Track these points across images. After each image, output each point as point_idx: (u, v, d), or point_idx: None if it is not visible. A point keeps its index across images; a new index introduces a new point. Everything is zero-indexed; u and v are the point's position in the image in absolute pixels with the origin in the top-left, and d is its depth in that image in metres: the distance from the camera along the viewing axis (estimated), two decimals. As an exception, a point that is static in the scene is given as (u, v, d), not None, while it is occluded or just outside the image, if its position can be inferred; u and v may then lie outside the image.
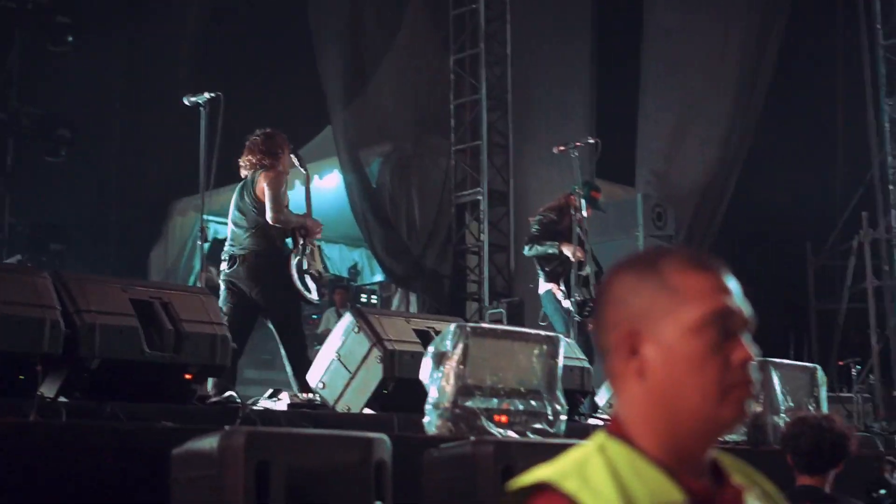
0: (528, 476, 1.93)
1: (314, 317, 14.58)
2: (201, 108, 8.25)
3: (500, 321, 12.79)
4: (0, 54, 15.50)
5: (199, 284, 8.23)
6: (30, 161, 15.66)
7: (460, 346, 5.28)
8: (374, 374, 6.23)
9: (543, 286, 9.99)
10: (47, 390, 4.98)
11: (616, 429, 1.99)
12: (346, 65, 14.03)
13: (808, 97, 16.52)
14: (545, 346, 5.72)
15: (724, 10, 14.56)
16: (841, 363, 13.84)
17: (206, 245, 8.55)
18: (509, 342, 5.69)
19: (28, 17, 15.41)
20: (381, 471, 3.38)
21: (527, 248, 10.12)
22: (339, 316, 10.46)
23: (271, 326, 8.26)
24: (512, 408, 5.47)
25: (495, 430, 5.29)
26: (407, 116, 14.83)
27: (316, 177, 14.43)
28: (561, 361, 5.77)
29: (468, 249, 14.82)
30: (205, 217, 8.44)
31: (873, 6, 14.25)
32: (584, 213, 9.72)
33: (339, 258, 17.89)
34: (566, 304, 9.67)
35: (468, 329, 5.41)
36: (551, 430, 5.61)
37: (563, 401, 5.78)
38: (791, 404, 7.57)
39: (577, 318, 9.36)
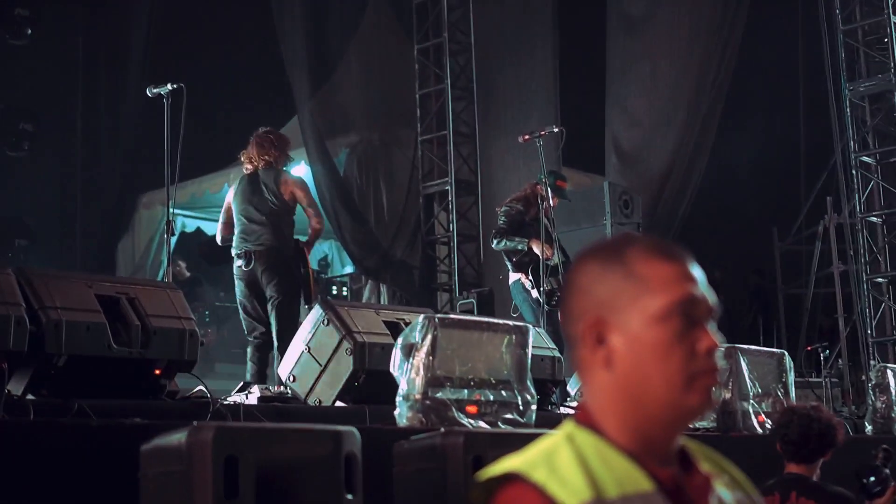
0: (497, 467, 1.94)
1: None
2: (164, 100, 8.23)
3: (470, 311, 12.80)
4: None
5: (167, 279, 8.22)
6: (-9, 156, 15.55)
7: (429, 337, 5.28)
8: (344, 366, 6.21)
9: (512, 276, 10.02)
10: (14, 388, 4.94)
11: (584, 418, 2.00)
12: (309, 55, 13.97)
13: (771, 83, 16.62)
14: (514, 336, 5.73)
15: (687, -2, 14.64)
16: (809, 348, 13.92)
17: (174, 239, 8.51)
18: (478, 333, 5.69)
19: (-14, 10, 15.30)
20: (351, 464, 3.37)
21: (494, 241, 10.12)
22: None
23: (273, 319, 8.51)
24: (482, 398, 5.48)
25: (466, 421, 5.30)
26: (373, 107, 14.80)
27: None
28: (530, 351, 5.78)
29: (437, 240, 14.82)
30: (171, 210, 8.40)
31: (833, -8, 14.33)
32: (551, 203, 9.74)
33: (308, 250, 17.85)
34: (535, 294, 9.69)
35: (436, 320, 5.41)
36: (522, 420, 5.62)
37: (533, 390, 5.79)
38: (759, 390, 7.62)
39: (546, 307, 9.38)
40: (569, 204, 10.90)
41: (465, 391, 5.44)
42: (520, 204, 10.10)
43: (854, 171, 13.86)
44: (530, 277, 9.79)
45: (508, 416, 5.57)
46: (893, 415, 9.05)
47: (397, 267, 14.37)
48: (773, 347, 8.84)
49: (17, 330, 4.83)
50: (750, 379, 7.55)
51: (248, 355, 8.57)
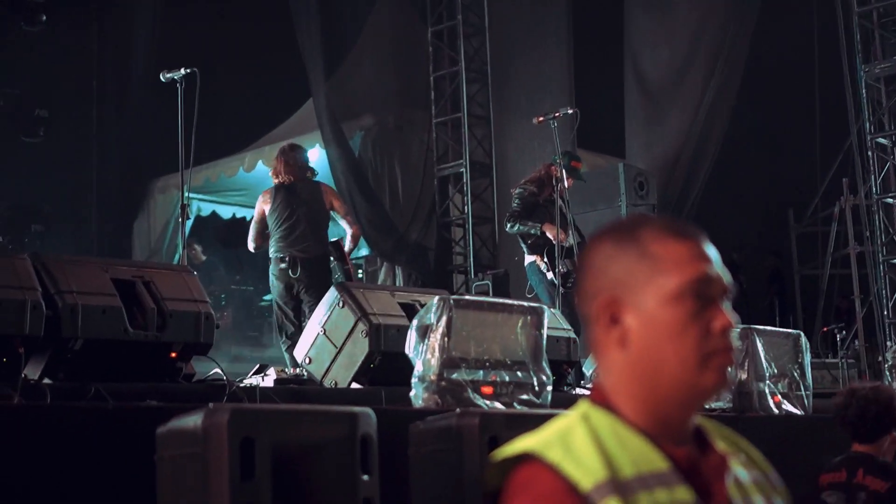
0: (512, 447, 1.94)
1: None
2: (178, 85, 8.25)
3: (486, 293, 12.80)
4: (-28, 36, 15.39)
5: (182, 263, 8.26)
6: (7, 142, 15.56)
7: (444, 318, 5.28)
8: (360, 348, 6.22)
9: (527, 258, 10.01)
10: (31, 372, 4.96)
11: (599, 398, 1.99)
12: (324, 38, 13.95)
13: (787, 65, 16.52)
14: (529, 317, 5.72)
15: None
16: (825, 329, 13.89)
17: (189, 222, 8.55)
18: (493, 314, 5.69)
19: (-1, -2, 15.33)
20: (367, 445, 3.37)
21: (508, 224, 10.11)
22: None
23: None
24: (498, 379, 5.48)
25: (481, 402, 5.30)
26: (387, 89, 14.80)
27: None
28: (545, 332, 5.78)
29: (452, 222, 14.83)
30: (186, 194, 8.44)
31: (848, -28, 14.25)
32: (566, 184, 9.72)
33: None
34: (550, 275, 9.68)
35: (451, 301, 5.41)
36: (537, 401, 5.62)
37: (548, 371, 5.78)
38: (775, 371, 7.60)
39: (562, 289, 9.37)
40: (584, 185, 10.87)
41: (481, 372, 5.44)
42: (533, 185, 10.08)
43: (870, 153, 13.82)
44: (545, 259, 9.78)
45: (524, 396, 5.57)
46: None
47: (412, 249, 14.38)
48: (789, 329, 8.79)
49: (33, 314, 4.83)
50: (766, 360, 7.52)
51: (286, 354, 8.92)
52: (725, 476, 1.95)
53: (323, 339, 6.39)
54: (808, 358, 8.04)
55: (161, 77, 8.43)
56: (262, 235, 9.43)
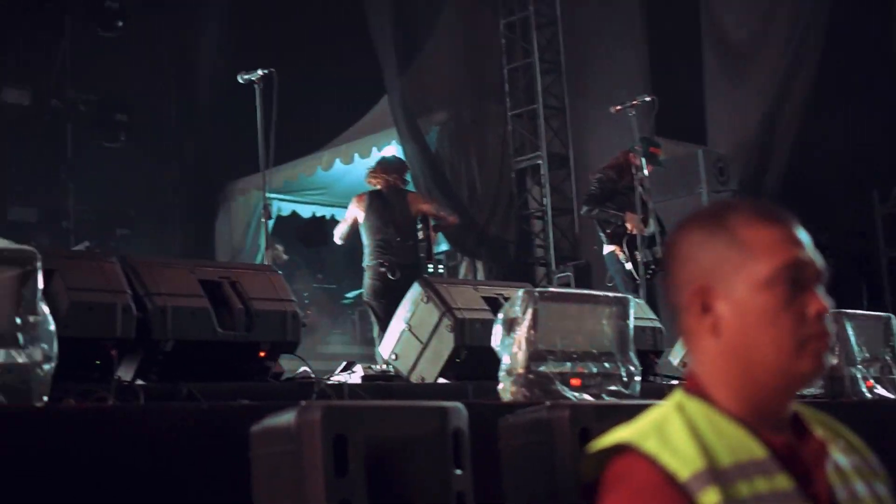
0: (608, 438, 1.94)
1: None
2: (255, 86, 8.32)
3: (567, 285, 12.79)
4: (52, 43, 15.65)
5: (265, 262, 8.36)
6: (89, 148, 15.84)
7: (530, 311, 5.27)
8: (445, 343, 6.23)
9: (606, 248, 9.98)
10: (124, 374, 5.04)
11: (693, 387, 1.99)
12: (397, 34, 14.02)
13: (868, 43, 16.24)
14: (615, 308, 5.69)
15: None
16: (914, 311, 13.66)
17: (271, 222, 8.64)
18: (578, 305, 5.66)
19: (77, 4, 15.62)
20: (459, 439, 3.37)
21: (586, 208, 10.10)
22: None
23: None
24: (585, 371, 5.46)
25: (570, 394, 5.28)
26: (461, 84, 14.82)
27: (374, 148, 14.49)
28: (632, 322, 5.75)
29: (531, 214, 14.82)
30: (267, 195, 8.53)
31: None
32: (646, 172, 9.65)
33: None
34: (628, 266, 9.64)
35: (536, 294, 5.39)
36: (626, 392, 5.59)
37: (636, 361, 5.75)
38: (867, 355, 7.48)
39: (638, 280, 9.33)
40: (664, 173, 10.80)
41: (568, 364, 5.42)
42: (613, 171, 10.07)
43: (957, 131, 13.57)
44: (624, 249, 9.74)
45: (612, 387, 5.54)
46: None
47: (492, 243, 14.39)
48: (878, 312, 8.65)
49: (124, 317, 4.92)
50: (857, 344, 7.41)
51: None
52: (825, 462, 1.93)
53: (408, 335, 6.41)
54: (899, 340, 7.91)
55: (238, 78, 8.51)
56: (349, 235, 10.06)
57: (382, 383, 6.38)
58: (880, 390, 7.43)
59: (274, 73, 8.28)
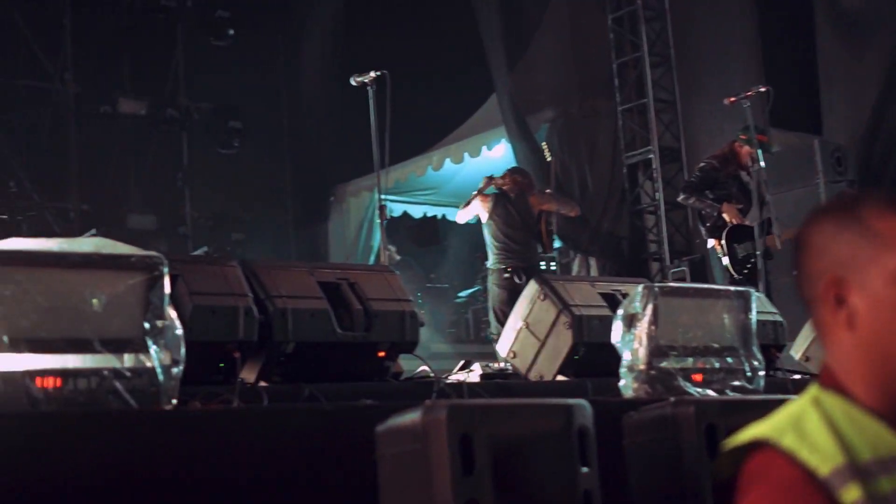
0: (744, 434, 1.90)
1: None
2: (368, 88, 8.38)
3: (682, 280, 12.65)
4: (165, 53, 15.98)
5: (381, 262, 8.43)
6: (204, 155, 16.14)
7: (650, 306, 5.22)
8: (563, 340, 6.21)
9: (708, 242, 9.88)
10: (247, 376, 5.12)
11: (829, 381, 1.94)
12: (505, 31, 14.01)
13: None
14: (736, 302, 5.61)
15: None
16: None
17: (385, 223, 8.70)
18: (699, 300, 5.60)
19: (189, 14, 15.94)
20: (584, 437, 3.35)
21: (683, 195, 10.07)
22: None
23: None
24: (708, 366, 5.39)
25: (693, 390, 5.22)
26: (569, 80, 14.76)
27: (484, 147, 14.50)
28: (754, 316, 5.67)
29: (644, 209, 14.69)
30: (380, 195, 8.60)
31: None
32: (762, 163, 9.49)
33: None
34: (725, 261, 9.51)
35: (656, 289, 5.34)
36: (750, 387, 5.51)
37: (759, 356, 5.67)
38: None
39: (736, 276, 9.21)
40: (779, 165, 10.63)
41: (690, 359, 5.36)
42: (716, 160, 9.95)
43: None
44: (722, 243, 9.60)
45: (736, 383, 5.46)
46: None
47: (606, 239, 14.32)
48: None
49: (246, 320, 4.99)
50: None
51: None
52: (966, 456, 1.87)
53: (526, 333, 6.40)
54: None
55: (351, 81, 8.58)
56: (469, 217, 10.46)
57: (501, 381, 6.38)
58: None
59: (387, 75, 8.35)
